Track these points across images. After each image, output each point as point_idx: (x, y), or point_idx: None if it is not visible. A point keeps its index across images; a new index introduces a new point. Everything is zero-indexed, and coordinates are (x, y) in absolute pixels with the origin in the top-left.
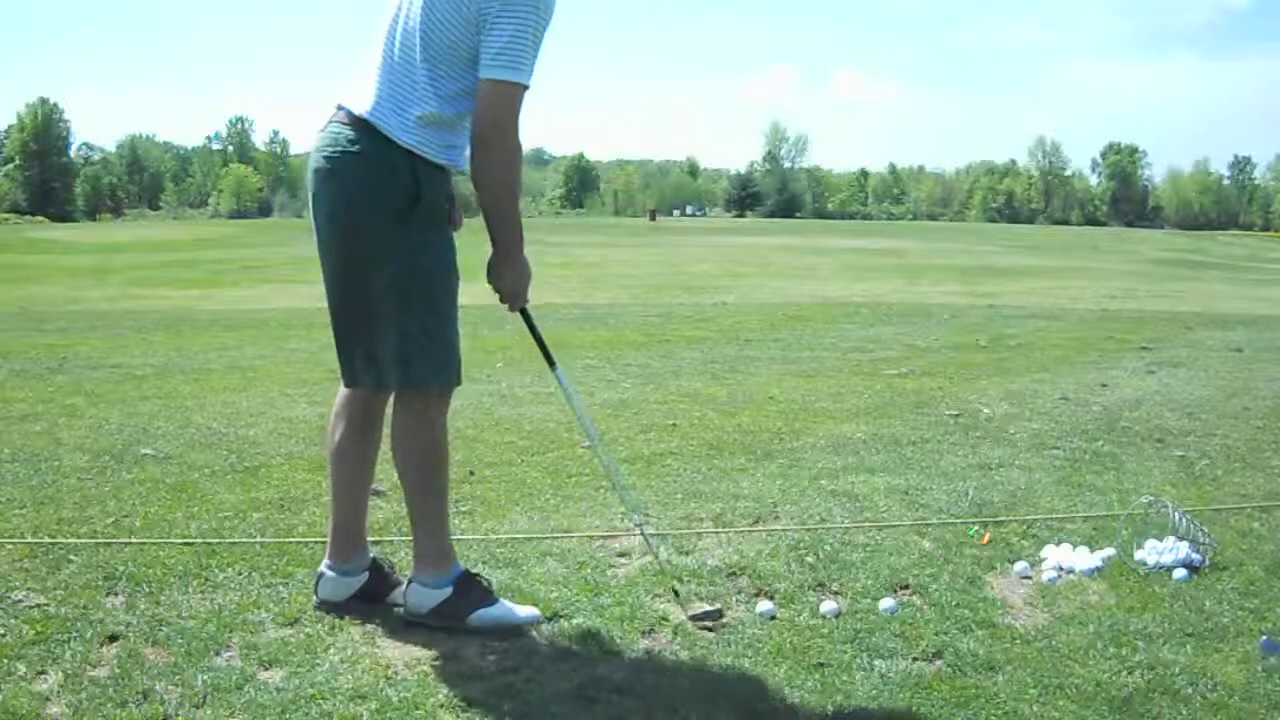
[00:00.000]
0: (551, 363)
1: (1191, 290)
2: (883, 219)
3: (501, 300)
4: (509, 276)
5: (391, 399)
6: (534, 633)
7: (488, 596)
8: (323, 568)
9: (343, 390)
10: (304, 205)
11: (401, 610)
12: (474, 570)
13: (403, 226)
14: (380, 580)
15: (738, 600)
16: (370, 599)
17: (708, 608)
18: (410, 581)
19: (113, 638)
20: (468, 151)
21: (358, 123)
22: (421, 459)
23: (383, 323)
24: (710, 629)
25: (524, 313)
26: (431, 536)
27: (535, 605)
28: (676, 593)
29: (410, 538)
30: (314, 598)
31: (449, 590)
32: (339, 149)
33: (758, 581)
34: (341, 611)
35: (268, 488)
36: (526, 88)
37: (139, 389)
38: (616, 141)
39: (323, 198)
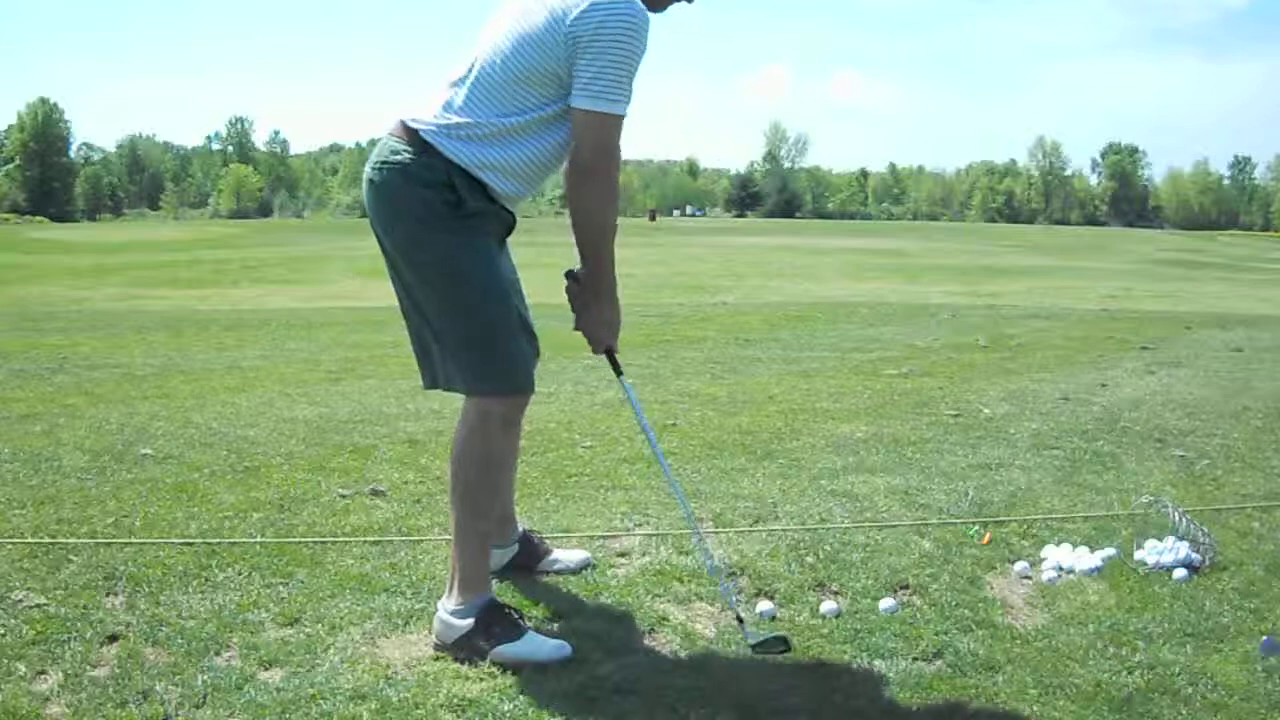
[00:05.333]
0: (618, 371)
1: (1191, 290)
2: (883, 219)
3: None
4: (592, 319)
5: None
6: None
7: (513, 630)
8: None
9: None
10: (304, 206)
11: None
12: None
13: (438, 232)
14: (530, 551)
15: (738, 600)
16: (524, 568)
17: (772, 635)
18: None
19: (113, 638)
20: (512, 184)
21: (406, 133)
22: (462, 468)
23: (432, 326)
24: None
25: (610, 356)
26: (461, 556)
27: (535, 606)
28: (740, 620)
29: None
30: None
31: (470, 622)
32: (383, 158)
33: (758, 581)
34: (501, 577)
35: (268, 488)
36: (622, 117)
37: (139, 389)
38: None
39: (370, 206)
